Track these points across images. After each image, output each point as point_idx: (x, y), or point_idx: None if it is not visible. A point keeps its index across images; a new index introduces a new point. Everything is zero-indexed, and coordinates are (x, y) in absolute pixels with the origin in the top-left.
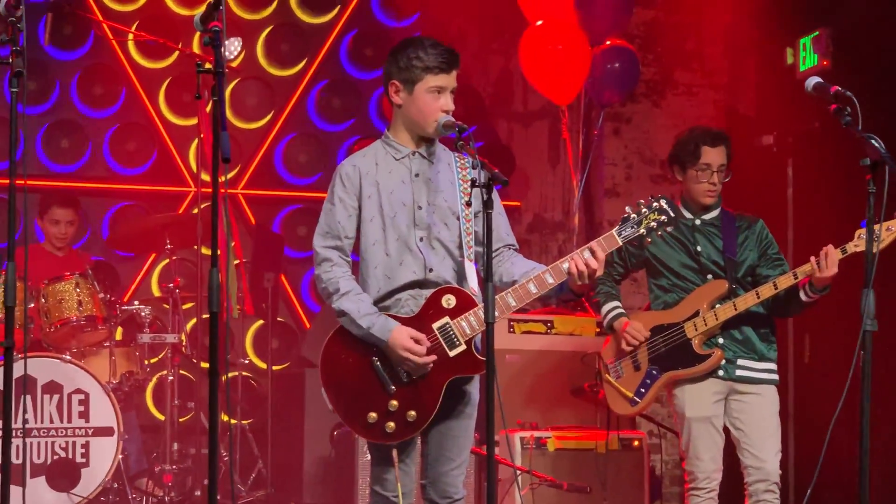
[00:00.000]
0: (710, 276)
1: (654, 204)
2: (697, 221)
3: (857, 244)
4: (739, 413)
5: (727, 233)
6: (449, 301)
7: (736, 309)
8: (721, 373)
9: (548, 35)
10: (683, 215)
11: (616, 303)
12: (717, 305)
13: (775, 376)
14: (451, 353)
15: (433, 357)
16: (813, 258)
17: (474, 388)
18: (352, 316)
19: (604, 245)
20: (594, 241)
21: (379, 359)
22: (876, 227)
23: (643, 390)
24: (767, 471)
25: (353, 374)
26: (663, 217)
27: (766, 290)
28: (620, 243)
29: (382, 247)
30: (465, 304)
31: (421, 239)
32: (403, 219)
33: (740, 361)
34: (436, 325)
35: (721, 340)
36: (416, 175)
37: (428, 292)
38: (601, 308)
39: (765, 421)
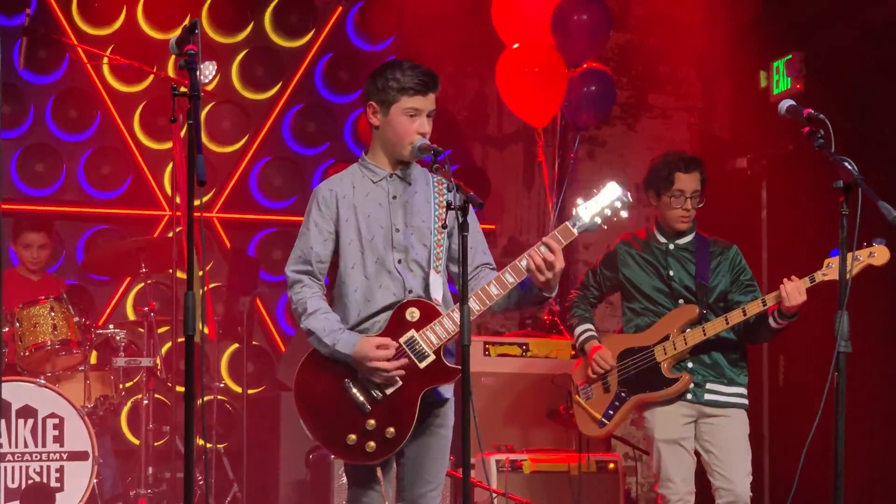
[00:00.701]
0: (681, 301)
1: (606, 190)
2: (671, 246)
3: (825, 273)
4: (709, 436)
5: (700, 258)
6: (413, 314)
7: (705, 334)
8: (690, 396)
9: (524, 58)
10: (658, 240)
11: (588, 325)
12: (688, 330)
13: (745, 401)
14: (422, 365)
15: (403, 361)
16: (781, 286)
17: (450, 410)
18: (318, 335)
19: (559, 238)
20: (549, 234)
21: (351, 380)
22: (849, 254)
23: (611, 412)
24: (737, 493)
25: (327, 399)
26: (617, 203)
27: (735, 317)
28: (576, 233)
29: (361, 269)
30: (429, 314)
31: (399, 261)
32: (381, 241)
33: (709, 385)
34: (402, 340)
35: (690, 365)
36: (394, 198)
37: None
38: (574, 330)
39: (734, 443)
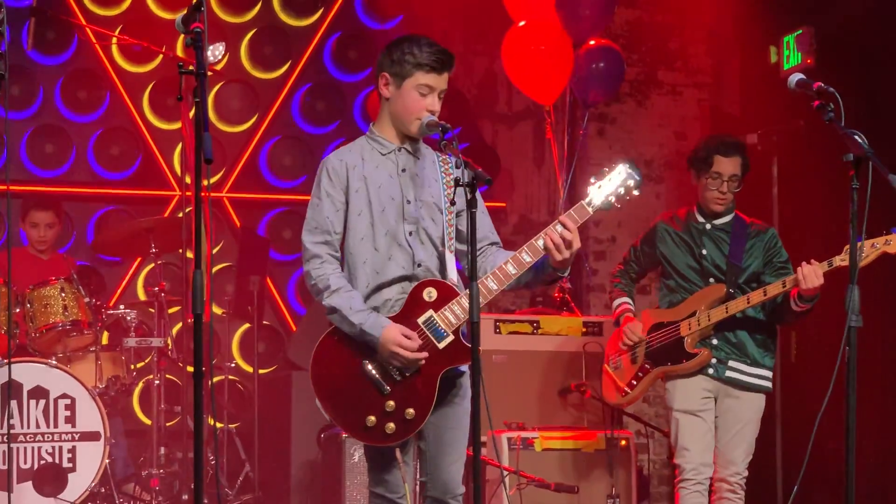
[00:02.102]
0: (711, 280)
1: (618, 169)
2: (708, 226)
3: (843, 258)
4: (720, 414)
5: (736, 239)
6: (430, 294)
7: (727, 312)
8: (711, 371)
9: (530, 35)
10: (696, 219)
11: (625, 299)
12: (713, 308)
13: (767, 384)
14: (440, 346)
15: (424, 354)
16: (798, 269)
17: (466, 381)
18: (343, 313)
19: (575, 217)
20: (565, 213)
21: (369, 361)
22: (859, 243)
23: (634, 382)
24: (731, 472)
25: (345, 381)
26: (630, 182)
27: (757, 296)
28: (591, 212)
29: (371, 242)
30: (446, 295)
31: (410, 233)
32: (392, 213)
33: (731, 363)
34: (420, 320)
35: (715, 341)
36: (403, 170)
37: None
38: (613, 302)
39: (741, 427)
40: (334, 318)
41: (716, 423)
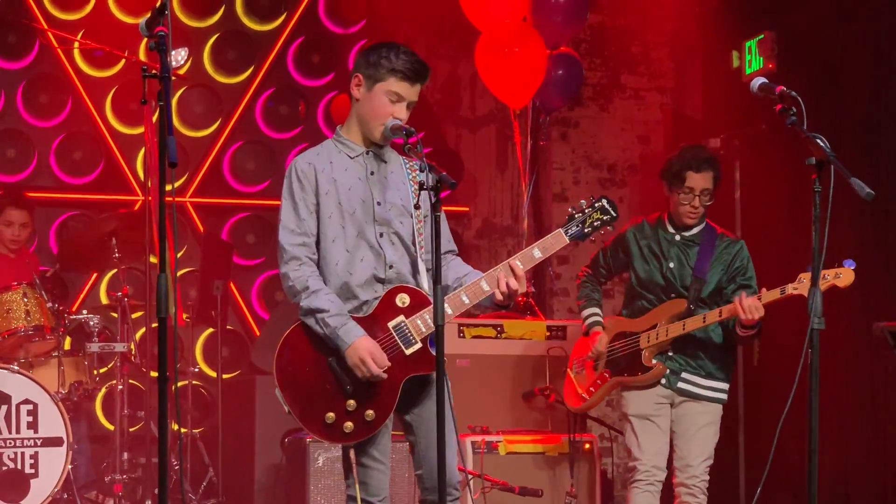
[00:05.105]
0: (673, 295)
1: (597, 203)
2: (678, 237)
3: (795, 287)
4: (676, 419)
5: (703, 251)
6: (403, 300)
7: (685, 329)
8: (664, 381)
9: (504, 38)
10: (667, 229)
11: (594, 309)
12: (673, 322)
13: (722, 395)
14: (408, 352)
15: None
16: (737, 300)
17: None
18: (323, 315)
19: (550, 242)
20: (539, 241)
21: (335, 358)
22: (806, 274)
23: (593, 390)
24: (689, 476)
25: (309, 375)
26: (606, 216)
27: (712, 317)
28: (568, 241)
29: (342, 243)
30: (418, 302)
31: (381, 235)
32: (363, 215)
33: (684, 374)
34: (391, 324)
35: (671, 353)
36: (371, 173)
37: (387, 289)
38: (581, 311)
39: (696, 431)
40: (310, 320)
41: (672, 427)
